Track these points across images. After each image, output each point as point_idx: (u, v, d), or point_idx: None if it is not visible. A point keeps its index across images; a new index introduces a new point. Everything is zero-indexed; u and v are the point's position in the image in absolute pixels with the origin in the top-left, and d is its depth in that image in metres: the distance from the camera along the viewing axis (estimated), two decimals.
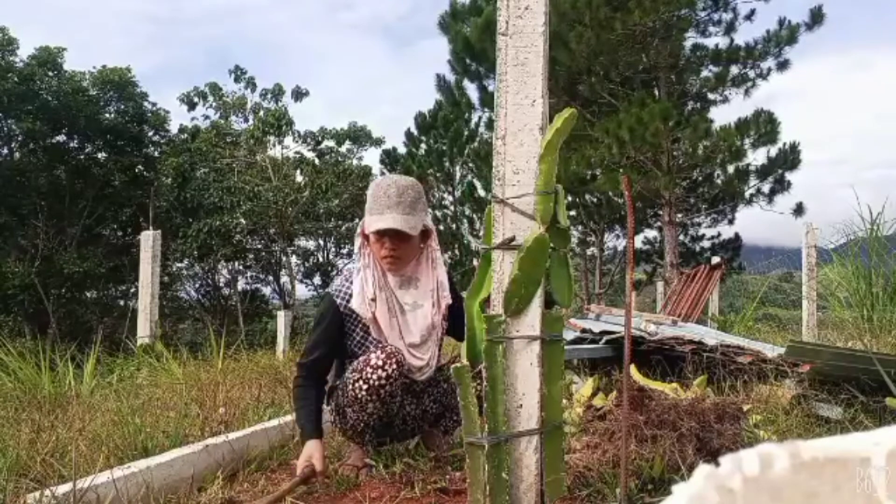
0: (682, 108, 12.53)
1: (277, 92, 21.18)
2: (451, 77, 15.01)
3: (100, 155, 20.29)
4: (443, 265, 2.40)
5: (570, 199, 15.53)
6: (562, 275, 1.57)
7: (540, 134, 1.50)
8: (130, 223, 20.22)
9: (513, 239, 1.50)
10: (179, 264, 21.04)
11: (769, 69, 12.31)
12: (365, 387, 2.19)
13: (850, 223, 5.79)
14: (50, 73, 18.86)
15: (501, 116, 1.51)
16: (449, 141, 19.24)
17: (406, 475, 2.17)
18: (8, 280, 17.04)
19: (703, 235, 16.84)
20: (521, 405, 1.51)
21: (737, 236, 16.27)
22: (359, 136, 22.01)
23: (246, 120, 21.46)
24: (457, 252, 19.59)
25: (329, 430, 2.54)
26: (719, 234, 16.49)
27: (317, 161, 21.08)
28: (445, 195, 20.15)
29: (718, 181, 13.80)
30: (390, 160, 20.18)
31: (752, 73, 12.44)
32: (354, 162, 21.92)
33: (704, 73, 12.83)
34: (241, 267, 21.71)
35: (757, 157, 12.70)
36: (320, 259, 22.13)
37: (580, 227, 18.04)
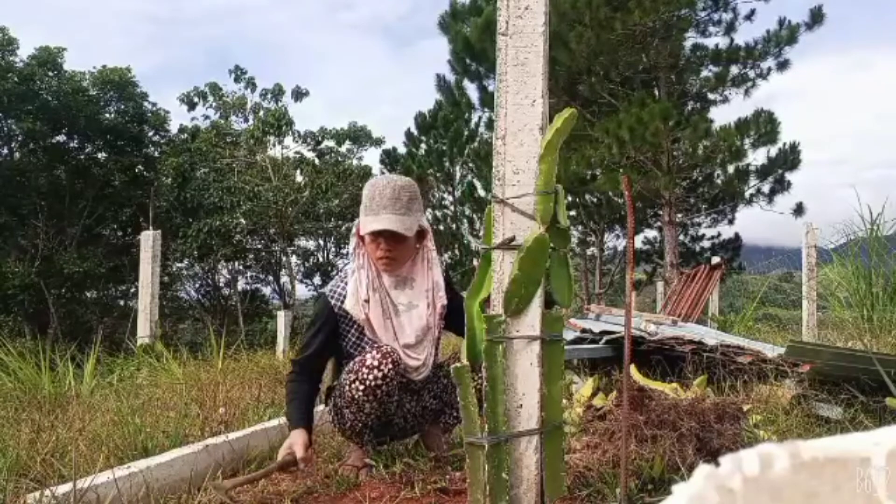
0: (682, 108, 12.53)
1: (277, 92, 21.19)
2: (451, 77, 15.04)
3: (100, 155, 20.31)
4: (438, 265, 2.40)
5: (570, 199, 15.53)
6: (562, 275, 1.57)
7: (540, 134, 1.50)
8: (130, 223, 20.23)
9: (513, 239, 1.50)
10: (179, 264, 21.05)
11: (769, 69, 12.33)
12: (361, 387, 2.19)
13: (850, 223, 5.79)
14: (50, 73, 18.87)
15: (501, 116, 1.51)
16: (449, 141, 19.25)
17: (406, 475, 2.17)
18: (8, 280, 17.05)
19: (703, 235, 16.86)
20: (521, 405, 1.51)
21: (737, 236, 16.28)
22: (359, 136, 22.02)
23: (246, 120, 21.49)
24: (457, 252, 19.60)
25: (329, 431, 2.55)
26: (719, 234, 16.51)
27: (317, 161, 21.09)
28: (445, 195, 20.16)
29: (718, 181, 13.81)
30: (390, 160, 20.19)
31: (752, 73, 12.46)
32: (354, 162, 21.95)
33: (704, 73, 12.84)
34: (241, 267, 21.72)
35: (757, 157, 12.73)
36: (320, 259, 22.14)
37: (580, 227, 18.04)
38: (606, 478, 1.93)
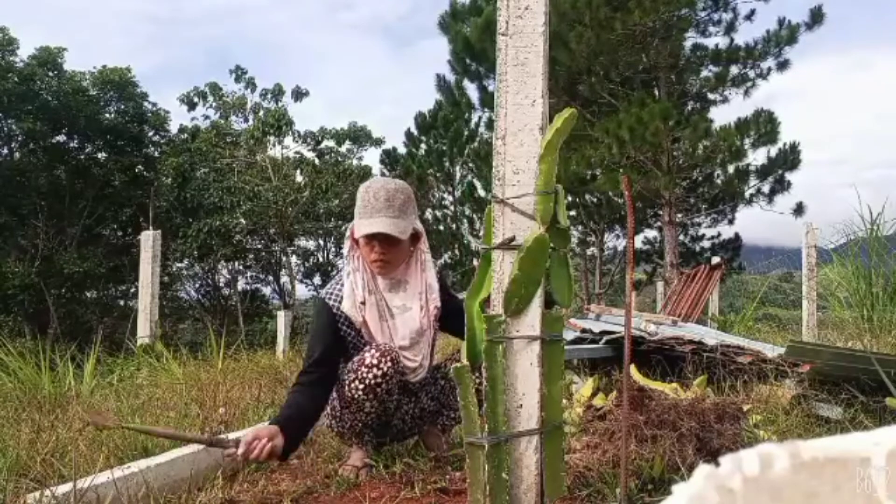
0: (682, 108, 12.53)
1: (277, 92, 21.19)
2: (451, 77, 15.05)
3: (100, 155, 20.31)
4: (432, 268, 2.40)
5: (570, 199, 15.53)
6: (562, 275, 1.57)
7: (540, 134, 1.50)
8: (130, 223, 20.23)
9: (513, 239, 1.50)
10: (179, 264, 21.04)
11: (769, 69, 12.33)
12: (361, 386, 2.19)
13: (850, 223, 5.80)
14: (50, 73, 18.86)
15: (501, 116, 1.51)
16: (449, 141, 19.25)
17: (406, 475, 2.17)
18: (8, 280, 17.05)
19: (703, 235, 16.85)
20: (521, 405, 1.51)
21: (737, 236, 16.28)
22: (359, 136, 22.02)
23: (246, 120, 21.48)
24: (457, 252, 19.61)
25: (328, 433, 2.54)
26: (719, 234, 16.51)
27: (317, 161, 21.09)
28: (445, 195, 20.16)
29: (718, 181, 13.80)
30: (390, 160, 20.19)
31: (752, 73, 12.45)
32: (354, 162, 21.95)
33: (704, 73, 12.84)
34: (241, 267, 21.72)
35: (757, 157, 12.72)
36: (320, 259, 22.14)
37: (580, 227, 18.04)
38: (606, 478, 1.93)
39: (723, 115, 20.97)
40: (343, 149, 22.14)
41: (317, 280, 21.54)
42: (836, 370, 2.87)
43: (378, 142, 21.99)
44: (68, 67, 19.29)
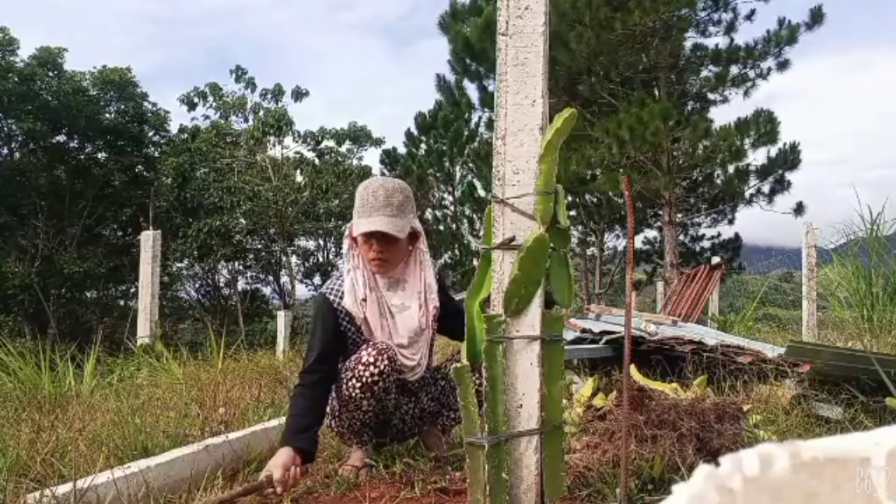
0: (682, 108, 12.53)
1: (277, 92, 21.19)
2: (451, 77, 15.05)
3: (100, 155, 20.32)
4: (431, 267, 2.40)
5: (570, 199, 15.53)
6: (562, 275, 1.57)
7: (540, 134, 1.50)
8: (130, 223, 20.23)
9: (513, 239, 1.50)
10: (179, 264, 21.05)
11: (769, 69, 12.33)
12: (358, 385, 2.19)
13: (850, 223, 5.80)
14: (50, 74, 18.87)
15: (501, 116, 1.51)
16: (449, 141, 19.24)
17: (406, 475, 2.17)
18: (8, 280, 17.05)
19: (703, 235, 16.85)
20: (521, 405, 1.51)
21: (737, 236, 16.28)
22: (359, 136, 22.01)
23: (246, 120, 21.48)
24: (457, 252, 19.60)
25: (328, 432, 2.54)
26: (719, 234, 16.51)
27: (317, 161, 21.09)
28: (445, 195, 20.15)
29: (718, 181, 13.80)
30: (390, 160, 20.18)
31: (752, 73, 12.45)
32: (354, 162, 21.94)
33: (704, 73, 12.84)
34: (241, 267, 21.71)
35: (757, 157, 12.72)
36: (320, 259, 22.14)
37: (580, 227, 18.04)
38: (606, 478, 1.93)
39: (723, 115, 21.00)
40: (343, 149, 22.16)
41: (317, 280, 21.55)
42: (836, 370, 2.87)
43: (378, 142, 22.00)
44: (68, 67, 19.33)
